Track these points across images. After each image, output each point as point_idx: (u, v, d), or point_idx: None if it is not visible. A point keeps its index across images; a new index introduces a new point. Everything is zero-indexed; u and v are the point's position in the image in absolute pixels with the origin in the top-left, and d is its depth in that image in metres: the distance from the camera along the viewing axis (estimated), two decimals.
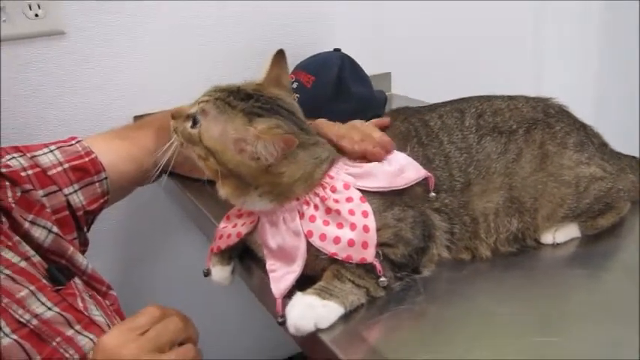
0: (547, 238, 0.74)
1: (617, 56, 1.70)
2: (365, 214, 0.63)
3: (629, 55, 1.70)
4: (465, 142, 0.74)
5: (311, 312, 0.60)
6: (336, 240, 0.63)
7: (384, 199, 0.67)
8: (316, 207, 0.65)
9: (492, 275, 0.71)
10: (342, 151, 0.71)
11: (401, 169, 0.68)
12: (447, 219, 0.71)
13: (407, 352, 0.59)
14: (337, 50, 1.21)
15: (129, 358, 0.60)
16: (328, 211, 0.64)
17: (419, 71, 1.43)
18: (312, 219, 0.64)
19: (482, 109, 0.77)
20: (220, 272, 0.73)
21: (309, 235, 0.64)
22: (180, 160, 0.70)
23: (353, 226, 0.63)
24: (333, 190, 0.65)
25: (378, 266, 0.63)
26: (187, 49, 1.22)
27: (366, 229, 0.63)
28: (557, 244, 0.74)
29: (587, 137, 0.77)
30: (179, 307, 0.81)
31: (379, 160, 0.70)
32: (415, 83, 1.39)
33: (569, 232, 0.75)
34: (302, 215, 0.65)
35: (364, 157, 0.70)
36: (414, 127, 0.76)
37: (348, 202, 0.64)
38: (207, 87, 1.23)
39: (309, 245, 0.64)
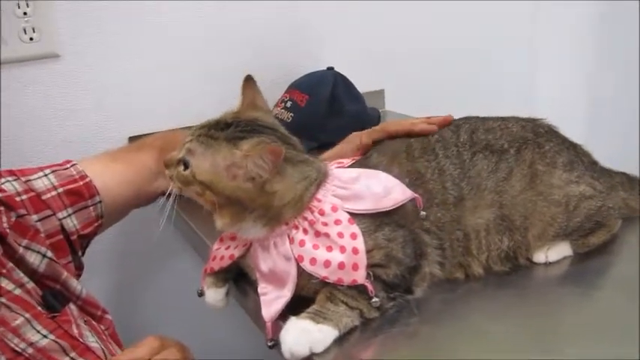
0: (539, 257, 0.74)
1: (611, 59, 1.71)
2: (354, 236, 0.64)
3: (624, 57, 1.71)
4: (459, 157, 0.75)
5: (306, 336, 0.61)
6: (327, 264, 0.63)
7: (374, 220, 0.67)
8: (305, 231, 0.65)
9: (485, 294, 0.72)
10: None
11: (387, 190, 0.69)
12: (437, 238, 0.71)
13: None
14: (330, 69, 1.22)
15: None
16: (317, 234, 0.65)
17: (412, 88, 1.44)
18: (302, 243, 0.65)
19: (476, 126, 0.78)
20: (214, 294, 0.74)
21: (299, 259, 0.64)
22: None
23: (342, 249, 0.63)
24: (322, 213, 0.65)
25: (370, 287, 0.63)
26: (181, 70, 1.22)
27: (355, 250, 0.63)
28: (550, 262, 0.74)
29: (576, 156, 0.78)
30: (174, 328, 0.81)
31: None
32: (408, 100, 1.40)
33: (561, 250, 0.75)
34: (292, 240, 0.65)
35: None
36: (405, 143, 0.77)
37: (336, 225, 0.64)
38: (201, 108, 1.24)
39: (301, 269, 0.64)
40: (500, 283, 0.72)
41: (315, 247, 0.64)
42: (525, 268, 0.74)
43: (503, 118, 0.81)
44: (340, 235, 0.64)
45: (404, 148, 0.77)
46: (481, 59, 1.52)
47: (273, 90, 1.23)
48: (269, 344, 0.64)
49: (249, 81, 0.77)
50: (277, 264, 0.66)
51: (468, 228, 0.72)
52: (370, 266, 0.65)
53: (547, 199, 0.73)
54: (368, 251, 0.64)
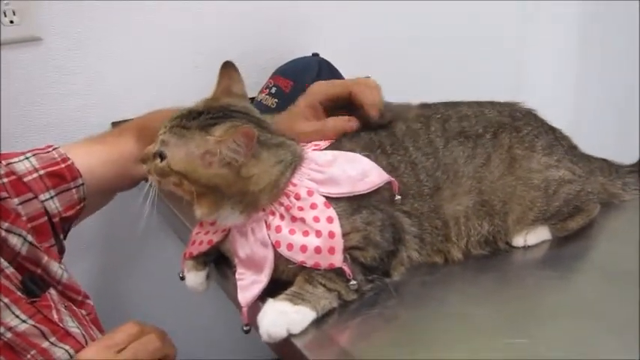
0: (518, 241, 0.75)
1: (598, 57, 1.72)
2: (330, 220, 0.64)
3: (610, 56, 1.73)
4: (431, 147, 0.75)
5: (283, 318, 0.61)
6: (303, 248, 0.63)
7: (351, 203, 0.67)
8: (282, 216, 0.65)
9: (464, 278, 0.72)
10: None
11: (364, 173, 0.69)
12: (417, 223, 0.72)
13: (379, 354, 0.60)
14: (315, 55, 1.21)
15: None
16: (294, 219, 0.65)
17: (398, 75, 1.43)
18: (279, 229, 0.65)
19: (448, 115, 0.78)
20: (195, 277, 0.74)
21: (277, 245, 0.64)
22: None
23: (319, 233, 0.63)
24: (297, 197, 0.65)
25: (347, 270, 0.64)
26: (166, 54, 1.21)
27: (331, 234, 0.63)
28: (529, 246, 0.75)
29: (555, 140, 0.79)
30: (156, 313, 0.81)
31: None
32: (394, 87, 1.39)
33: (540, 234, 0.76)
34: (269, 226, 0.65)
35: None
36: (378, 137, 0.76)
37: (312, 209, 0.64)
38: (185, 93, 1.23)
39: (279, 254, 0.65)
40: (479, 267, 0.73)
41: (292, 232, 0.64)
42: (504, 252, 0.75)
43: (478, 103, 0.81)
44: (316, 219, 0.64)
45: (377, 143, 0.76)
46: (469, 46, 1.52)
47: (258, 76, 1.22)
48: (245, 329, 0.65)
49: (226, 67, 0.76)
50: (255, 250, 0.66)
51: (447, 216, 0.73)
52: (348, 249, 0.65)
53: (526, 184, 0.74)
54: (346, 234, 0.65)
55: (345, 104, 0.80)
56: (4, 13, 1.07)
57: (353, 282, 0.64)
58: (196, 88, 1.22)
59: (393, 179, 0.70)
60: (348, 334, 0.63)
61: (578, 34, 1.71)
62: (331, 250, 0.63)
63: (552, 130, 0.80)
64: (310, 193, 0.66)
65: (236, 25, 1.26)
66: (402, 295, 0.68)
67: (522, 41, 1.63)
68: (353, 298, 0.65)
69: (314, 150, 0.72)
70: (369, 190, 0.68)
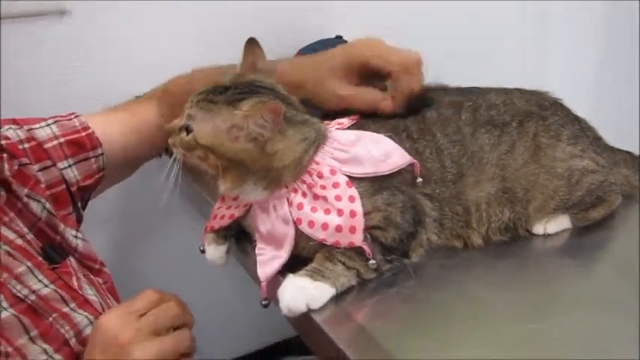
0: (538, 228, 0.75)
1: (617, 52, 1.70)
2: (352, 199, 0.64)
3: (629, 51, 1.70)
4: (459, 134, 0.74)
5: (303, 293, 0.62)
6: (324, 226, 0.64)
7: (373, 183, 0.67)
8: (304, 194, 0.65)
9: (484, 262, 0.72)
10: None
11: (387, 154, 0.69)
12: (438, 207, 0.72)
13: (396, 332, 0.60)
14: (339, 37, 1.21)
15: (127, 341, 0.61)
16: (316, 197, 0.65)
17: None
18: (300, 207, 0.65)
19: (479, 103, 0.77)
20: (215, 251, 0.74)
21: (298, 222, 0.65)
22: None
23: (340, 212, 0.64)
24: (320, 176, 0.65)
25: (367, 249, 0.64)
26: (190, 30, 1.21)
27: (353, 214, 0.64)
28: (549, 234, 0.75)
29: (581, 130, 0.78)
30: (175, 287, 0.82)
31: None
32: None
33: (560, 223, 0.76)
34: (290, 203, 0.66)
35: None
36: (404, 121, 0.76)
37: (334, 188, 0.65)
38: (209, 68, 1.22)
39: (300, 231, 0.65)
40: (498, 253, 0.73)
41: (314, 209, 0.65)
42: (524, 238, 0.75)
43: (506, 92, 0.80)
44: (338, 198, 0.64)
45: (402, 127, 0.75)
46: (492, 36, 1.50)
47: (281, 57, 1.22)
48: (263, 303, 0.65)
49: (250, 44, 0.76)
50: (276, 226, 0.66)
51: (469, 202, 0.73)
52: (369, 228, 0.65)
53: (550, 172, 0.74)
54: (367, 213, 0.65)
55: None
56: None
57: (372, 261, 0.65)
58: (219, 64, 1.24)
59: (415, 161, 0.70)
60: (366, 312, 0.63)
61: (598, 29, 1.68)
62: (352, 229, 0.63)
63: (578, 121, 0.80)
64: (333, 172, 0.66)
65: (260, 6, 1.25)
66: (420, 277, 0.68)
67: (542, 37, 1.62)
68: (372, 277, 0.66)
69: (337, 129, 0.72)
70: (391, 172, 0.68)
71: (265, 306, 0.66)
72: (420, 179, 0.70)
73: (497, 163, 0.73)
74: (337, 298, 0.64)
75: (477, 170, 0.73)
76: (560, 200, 0.74)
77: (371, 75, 0.79)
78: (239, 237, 0.76)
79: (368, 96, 0.78)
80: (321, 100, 0.79)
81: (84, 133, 0.83)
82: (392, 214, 0.67)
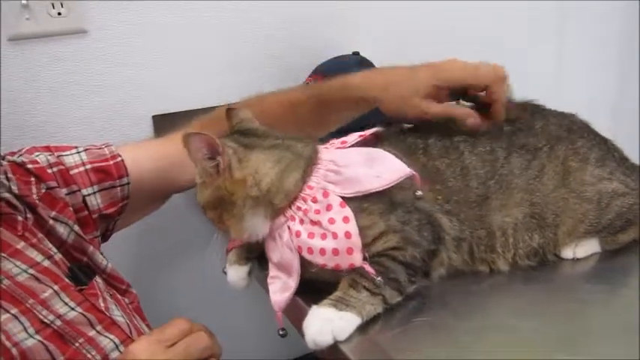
0: (567, 253, 0.73)
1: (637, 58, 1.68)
2: (346, 220, 0.63)
3: None
4: (492, 155, 0.73)
5: (328, 325, 0.61)
6: (322, 252, 0.63)
7: (383, 201, 0.66)
8: (302, 221, 0.65)
9: (512, 289, 0.71)
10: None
11: (383, 169, 0.67)
12: (458, 226, 0.70)
13: None
14: (356, 54, 1.21)
15: None
16: (312, 223, 0.64)
17: None
18: (298, 234, 0.65)
19: (517, 127, 0.76)
20: (237, 272, 0.74)
21: (299, 250, 0.65)
22: None
23: (335, 235, 0.63)
24: (314, 200, 0.65)
25: (369, 268, 0.63)
26: (207, 49, 1.22)
27: (347, 235, 0.63)
28: (578, 259, 0.73)
29: (608, 152, 0.77)
30: (197, 307, 0.82)
31: None
32: None
33: (589, 247, 0.74)
34: (290, 231, 0.65)
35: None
36: (424, 141, 0.75)
37: (328, 211, 0.64)
38: (226, 88, 1.23)
39: (304, 258, 0.65)
40: (526, 278, 0.72)
41: (311, 236, 0.64)
42: (552, 263, 0.73)
43: (544, 115, 0.79)
44: (331, 221, 0.63)
45: (421, 145, 0.74)
46: (510, 47, 1.49)
47: (298, 74, 1.22)
48: (280, 333, 0.65)
49: (228, 113, 0.76)
50: (284, 255, 0.66)
51: (493, 227, 0.71)
52: (388, 249, 0.65)
53: (579, 196, 0.72)
54: (382, 234, 0.65)
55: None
56: (52, 5, 1.09)
57: (379, 279, 0.63)
58: (237, 84, 1.24)
59: (414, 173, 0.67)
60: (394, 341, 0.62)
61: (618, 33, 1.67)
62: (349, 251, 0.63)
63: (604, 141, 0.79)
64: (326, 194, 0.65)
65: (277, 22, 1.26)
66: (448, 305, 0.67)
67: (561, 39, 1.60)
68: (398, 300, 0.65)
69: (338, 147, 0.71)
70: (387, 187, 0.66)
71: (283, 336, 0.66)
72: (419, 192, 0.68)
73: (526, 188, 0.72)
74: (364, 327, 0.63)
75: (504, 194, 0.72)
76: (590, 224, 0.73)
77: (456, 93, 0.79)
78: (261, 261, 0.75)
79: (459, 113, 0.77)
80: (401, 116, 0.79)
81: (112, 162, 0.83)
82: (408, 233, 0.66)
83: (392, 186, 0.66)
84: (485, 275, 0.72)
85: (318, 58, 1.23)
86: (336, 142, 0.73)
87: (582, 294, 0.70)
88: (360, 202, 0.65)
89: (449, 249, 0.70)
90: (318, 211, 0.64)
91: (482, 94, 0.79)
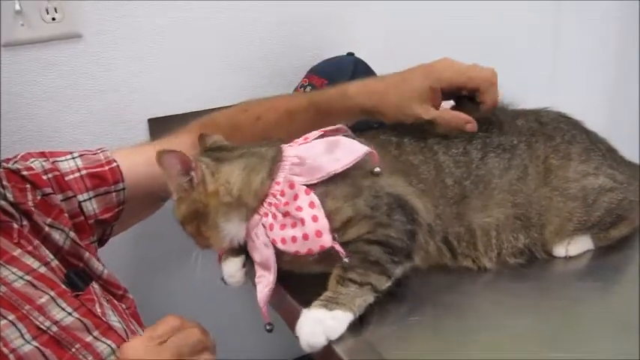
0: (559, 251, 0.74)
1: (633, 63, 1.68)
2: (312, 205, 0.65)
3: None
4: (467, 157, 0.74)
5: (320, 326, 0.62)
6: (294, 239, 0.65)
7: (348, 185, 0.68)
8: (274, 216, 0.67)
9: (504, 288, 0.72)
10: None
11: (341, 153, 0.69)
12: (432, 208, 0.71)
13: None
14: (350, 54, 1.21)
15: None
16: (283, 215, 0.67)
17: None
18: (271, 227, 0.67)
19: (490, 129, 0.77)
20: (231, 265, 0.74)
21: (274, 242, 0.67)
22: None
23: (302, 221, 0.65)
24: (282, 194, 0.67)
25: (339, 248, 0.65)
26: (201, 51, 1.22)
27: (314, 218, 0.65)
28: (570, 256, 0.74)
29: (591, 144, 0.76)
30: (193, 311, 0.82)
31: None
32: None
33: (582, 244, 0.75)
34: (265, 227, 0.68)
35: None
36: (399, 139, 0.77)
37: (295, 200, 0.66)
38: (221, 90, 1.23)
39: (280, 251, 0.67)
40: (517, 276, 0.72)
41: (282, 227, 0.66)
42: (544, 261, 0.74)
43: (512, 114, 0.80)
44: (299, 209, 0.66)
45: (394, 142, 0.76)
46: (504, 47, 1.49)
47: (293, 74, 1.22)
48: (267, 328, 0.67)
49: (199, 139, 0.80)
50: (261, 253, 0.68)
51: (473, 225, 0.72)
52: (362, 234, 0.66)
53: (563, 194, 0.73)
54: (349, 220, 0.66)
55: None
56: (47, 11, 1.09)
57: (345, 259, 0.65)
58: (231, 86, 1.25)
59: (372, 150, 0.69)
60: (387, 341, 0.63)
61: (614, 33, 1.67)
62: (318, 233, 0.64)
63: (587, 133, 0.78)
64: (292, 186, 0.67)
65: (272, 24, 1.26)
66: (441, 304, 0.68)
67: (558, 40, 1.60)
68: (387, 285, 0.66)
69: (301, 144, 0.73)
70: (347, 166, 0.68)
71: (269, 331, 0.67)
72: (377, 169, 0.70)
73: (508, 189, 0.73)
74: (358, 328, 0.63)
75: (483, 195, 0.73)
76: (578, 222, 0.73)
77: (448, 93, 0.80)
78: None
79: (450, 118, 0.78)
80: (400, 121, 0.80)
81: (107, 167, 0.83)
82: (379, 218, 0.68)
83: (356, 172, 0.69)
84: (477, 274, 0.73)
85: (313, 59, 1.23)
86: (300, 139, 0.74)
87: (575, 292, 0.70)
88: (324, 187, 0.67)
89: (424, 232, 0.71)
90: (287, 203, 0.67)
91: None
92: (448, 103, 0.83)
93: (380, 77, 0.87)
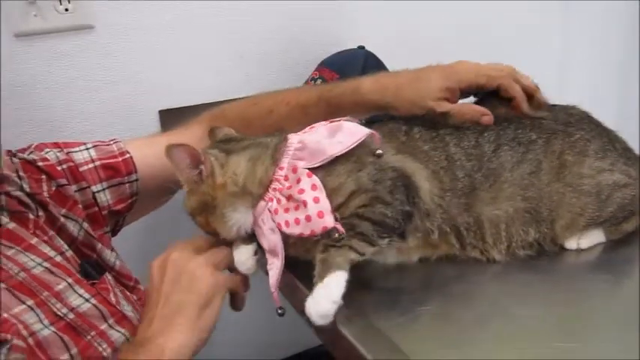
0: (571, 244, 0.74)
1: None
2: (314, 187, 0.66)
3: None
4: (478, 150, 0.74)
5: (320, 294, 0.63)
6: (297, 221, 0.66)
7: (351, 162, 0.69)
8: (279, 200, 0.68)
9: (514, 278, 0.72)
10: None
11: (343, 136, 0.69)
12: (440, 192, 0.72)
13: (427, 350, 0.60)
14: (361, 48, 1.21)
15: (195, 269, 0.67)
16: (287, 199, 0.68)
17: None
18: (276, 212, 0.68)
19: (505, 124, 0.78)
20: (243, 251, 0.74)
21: (279, 226, 0.67)
22: None
23: (305, 203, 0.66)
24: (286, 178, 0.68)
25: (340, 228, 0.65)
26: (212, 44, 1.23)
27: (316, 200, 0.66)
28: (582, 249, 0.74)
29: (609, 143, 0.77)
30: None
31: None
32: None
33: (594, 237, 0.75)
34: (270, 212, 0.68)
35: None
36: (409, 126, 0.77)
37: (297, 184, 0.67)
38: (231, 82, 1.23)
39: (285, 235, 0.68)
40: (528, 267, 0.73)
41: (286, 210, 0.67)
42: (555, 253, 0.74)
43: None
44: (301, 191, 0.66)
45: (403, 129, 0.77)
46: (514, 42, 1.49)
47: (304, 67, 1.23)
48: (279, 312, 0.69)
49: (210, 133, 0.80)
50: (269, 239, 0.69)
51: (482, 217, 0.73)
52: (357, 207, 0.67)
53: (576, 190, 0.73)
54: (353, 192, 0.67)
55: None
56: (60, 2, 1.10)
57: (336, 235, 0.66)
58: (242, 78, 1.25)
59: (374, 132, 0.70)
60: (397, 329, 0.63)
61: (621, 33, 1.66)
62: (320, 214, 0.65)
63: (606, 132, 0.79)
64: (295, 170, 0.68)
65: (283, 17, 1.26)
66: (451, 293, 0.68)
67: (563, 39, 1.60)
68: (368, 250, 0.67)
69: (305, 132, 0.73)
70: (349, 148, 0.68)
71: (281, 315, 0.69)
72: (380, 150, 0.71)
73: (520, 183, 0.73)
74: (366, 315, 0.64)
75: (493, 188, 0.73)
76: (590, 217, 0.73)
77: (466, 92, 0.81)
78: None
79: (466, 111, 0.79)
80: (412, 113, 0.81)
81: (120, 158, 0.84)
82: (380, 192, 0.68)
83: (361, 150, 0.70)
84: (486, 265, 0.73)
85: (324, 52, 1.24)
86: (307, 129, 0.75)
87: (583, 283, 0.70)
88: (327, 168, 0.68)
89: (421, 215, 0.71)
90: (290, 187, 0.68)
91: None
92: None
93: (393, 73, 0.87)
